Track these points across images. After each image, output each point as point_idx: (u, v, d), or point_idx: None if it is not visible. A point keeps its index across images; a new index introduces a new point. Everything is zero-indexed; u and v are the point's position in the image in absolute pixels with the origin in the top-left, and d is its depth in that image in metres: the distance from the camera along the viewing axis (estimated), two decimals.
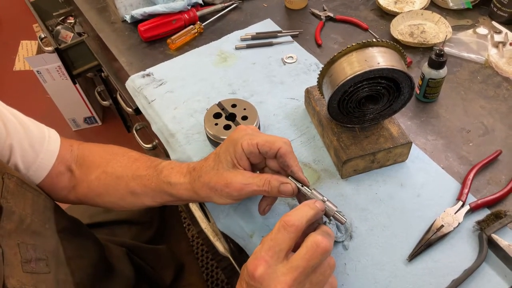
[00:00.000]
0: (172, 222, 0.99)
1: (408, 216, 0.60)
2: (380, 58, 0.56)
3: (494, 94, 0.76)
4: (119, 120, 1.85)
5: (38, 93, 2.10)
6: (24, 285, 0.45)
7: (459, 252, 0.56)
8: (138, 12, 0.94)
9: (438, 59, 0.70)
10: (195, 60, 0.87)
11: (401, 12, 0.91)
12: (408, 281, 0.54)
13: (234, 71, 0.84)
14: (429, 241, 0.56)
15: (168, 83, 0.82)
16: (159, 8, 0.92)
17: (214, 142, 0.68)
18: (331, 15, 0.95)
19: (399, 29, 0.89)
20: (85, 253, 0.64)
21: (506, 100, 0.75)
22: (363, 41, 0.57)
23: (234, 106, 0.70)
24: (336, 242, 0.57)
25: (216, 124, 0.68)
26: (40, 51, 1.77)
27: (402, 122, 0.72)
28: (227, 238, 0.86)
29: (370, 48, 0.57)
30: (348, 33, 0.92)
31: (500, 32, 0.86)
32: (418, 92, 0.75)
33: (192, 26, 0.94)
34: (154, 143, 1.18)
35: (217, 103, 0.71)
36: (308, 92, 0.72)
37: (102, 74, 1.45)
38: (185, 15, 0.93)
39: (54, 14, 1.50)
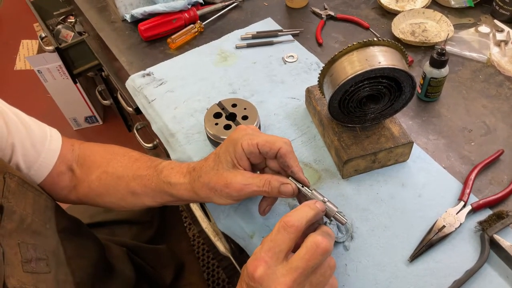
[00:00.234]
0: (173, 222, 0.99)
1: (410, 217, 0.59)
2: (381, 57, 0.56)
3: (496, 93, 0.75)
4: (120, 120, 1.85)
5: (39, 93, 2.10)
6: (24, 285, 0.45)
7: (461, 252, 0.55)
8: (138, 11, 0.93)
9: (439, 58, 0.69)
10: (196, 59, 0.87)
11: (403, 11, 0.90)
12: (409, 282, 0.53)
13: (235, 71, 0.83)
14: (430, 242, 0.56)
15: (168, 82, 0.82)
16: (159, 7, 0.92)
17: (214, 142, 0.68)
18: (332, 13, 0.94)
19: (401, 27, 0.88)
20: (85, 253, 0.64)
21: (508, 99, 0.74)
22: (364, 40, 0.57)
23: (234, 105, 0.70)
24: (336, 243, 0.57)
25: (217, 124, 0.68)
26: (40, 50, 1.76)
27: (403, 122, 0.71)
28: (227, 238, 0.86)
29: (371, 47, 0.57)
30: (349, 32, 0.91)
31: (502, 30, 0.85)
32: (419, 91, 0.75)
33: (192, 25, 0.93)
34: (155, 142, 1.18)
35: (217, 102, 0.71)
36: (308, 91, 0.71)
37: (103, 73, 1.45)
38: (185, 14, 0.93)
39: (54, 13, 1.50)
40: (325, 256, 0.43)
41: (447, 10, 0.93)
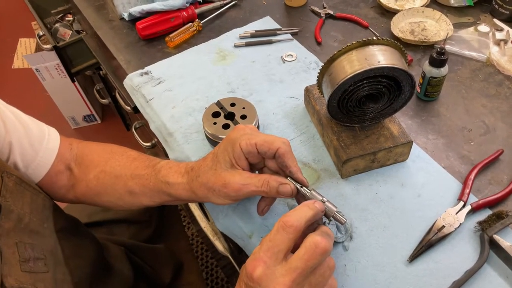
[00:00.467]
0: (171, 221, 0.99)
1: (409, 217, 0.59)
2: (381, 57, 0.55)
3: (495, 93, 0.75)
4: (119, 118, 1.85)
5: (37, 91, 2.10)
6: (22, 284, 0.45)
7: (460, 253, 0.55)
8: (136, 9, 0.93)
9: (439, 57, 0.69)
10: (194, 58, 0.87)
11: (402, 10, 0.90)
12: (408, 282, 0.53)
13: (233, 70, 0.83)
14: (430, 242, 0.55)
15: (166, 81, 0.82)
16: (157, 5, 0.91)
17: (213, 141, 0.68)
18: (331, 12, 0.94)
19: (400, 26, 0.88)
20: (83, 252, 0.63)
21: (507, 98, 0.74)
22: (363, 39, 0.56)
23: (233, 105, 0.70)
24: (336, 243, 0.57)
25: (215, 123, 0.67)
26: (38, 49, 1.76)
27: (402, 121, 0.71)
28: (226, 238, 0.86)
29: (371, 46, 0.57)
30: (348, 31, 0.91)
31: (501, 29, 0.85)
32: (419, 90, 0.74)
33: (190, 24, 0.93)
34: (154, 141, 1.17)
35: (215, 102, 0.71)
36: (307, 90, 0.71)
37: (101, 72, 1.45)
38: (184, 12, 0.93)
39: (52, 11, 1.49)
40: (324, 256, 0.43)
41: (446, 9, 0.93)
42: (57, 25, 1.48)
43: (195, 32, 0.93)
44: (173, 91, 0.80)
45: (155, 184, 0.58)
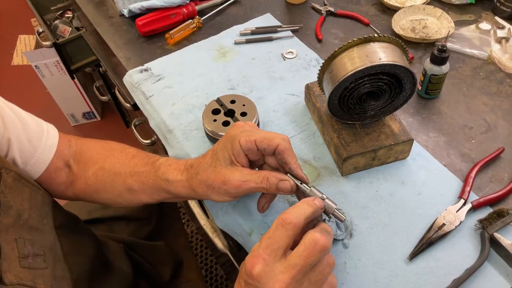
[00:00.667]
0: (171, 218, 0.99)
1: (409, 214, 0.59)
2: (382, 54, 0.55)
3: (496, 91, 0.75)
4: (118, 116, 1.84)
5: (36, 88, 2.09)
6: (21, 280, 0.45)
7: (461, 251, 0.55)
8: (136, 6, 0.93)
9: (440, 54, 0.69)
10: (194, 55, 0.86)
11: (403, 7, 0.90)
12: (408, 280, 0.53)
13: (233, 67, 0.83)
14: (430, 240, 0.55)
15: (166, 78, 0.81)
16: (157, 2, 0.91)
17: (213, 138, 0.67)
18: (332, 9, 0.94)
19: (401, 24, 0.88)
20: (82, 249, 0.63)
21: (509, 96, 0.74)
22: (365, 36, 0.56)
23: (233, 102, 0.70)
24: (336, 240, 0.57)
25: (215, 120, 0.67)
26: (38, 45, 1.75)
27: (403, 119, 0.71)
28: (226, 235, 0.86)
29: (372, 43, 0.56)
30: (349, 28, 0.90)
31: (503, 27, 0.85)
32: (419, 88, 0.74)
33: (190, 20, 0.92)
34: (153, 138, 1.17)
35: (215, 99, 0.70)
36: (308, 88, 0.71)
37: (100, 69, 1.44)
38: (184, 9, 0.92)
39: (52, 8, 1.48)
40: (323, 253, 0.42)
41: (447, 6, 0.92)
42: (56, 21, 1.47)
43: (195, 29, 0.93)
44: (173, 88, 0.79)
45: (154, 181, 0.58)
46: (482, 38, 0.84)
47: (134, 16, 0.94)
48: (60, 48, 1.37)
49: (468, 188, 0.59)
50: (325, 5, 0.95)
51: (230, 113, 0.68)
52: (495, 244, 0.54)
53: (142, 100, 0.80)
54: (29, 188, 0.53)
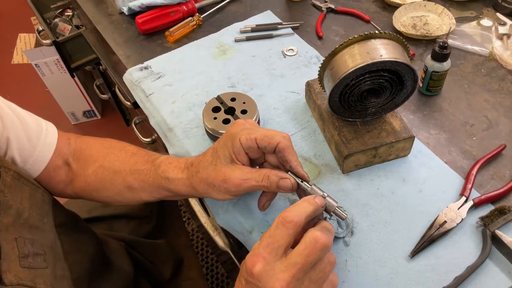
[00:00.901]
0: (171, 216, 0.99)
1: (410, 212, 0.59)
2: (383, 51, 0.55)
3: (498, 87, 0.74)
4: (118, 114, 1.84)
5: (36, 87, 2.09)
6: (21, 280, 0.45)
7: (462, 248, 0.55)
8: (136, 4, 0.92)
9: (441, 51, 0.68)
10: (194, 53, 0.86)
11: (404, 4, 0.89)
12: (410, 278, 0.53)
13: (234, 64, 0.82)
14: (431, 237, 0.55)
15: (166, 76, 0.81)
16: None
17: (213, 136, 0.67)
18: (333, 6, 0.93)
19: (402, 21, 0.87)
20: (83, 247, 0.63)
21: (510, 93, 0.73)
22: (366, 33, 0.56)
23: (233, 99, 0.69)
24: (337, 238, 0.57)
25: (215, 118, 0.67)
26: (38, 44, 1.75)
27: (404, 116, 0.71)
28: (226, 233, 0.86)
29: (373, 40, 0.56)
30: (349, 25, 0.90)
31: (504, 24, 0.84)
32: (421, 85, 0.74)
33: (190, 18, 0.92)
34: (154, 137, 1.17)
35: (216, 96, 0.70)
36: (308, 85, 0.70)
37: (100, 67, 1.44)
38: (184, 6, 0.92)
39: (51, 6, 1.48)
40: (324, 251, 0.42)
41: (448, 3, 0.92)
42: (56, 20, 1.47)
43: (195, 26, 0.92)
44: (173, 86, 0.79)
45: (155, 179, 0.57)
46: (484, 34, 0.83)
47: (133, 14, 0.94)
48: (60, 47, 1.37)
49: (469, 185, 0.59)
50: (326, 2, 0.95)
51: (230, 111, 0.68)
52: (497, 242, 0.54)
53: (142, 98, 0.80)
54: (28, 187, 0.53)
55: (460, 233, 0.56)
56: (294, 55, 0.83)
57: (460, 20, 0.87)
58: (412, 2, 0.89)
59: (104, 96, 1.67)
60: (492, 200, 0.58)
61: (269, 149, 0.50)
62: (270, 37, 0.87)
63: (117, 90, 1.16)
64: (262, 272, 0.41)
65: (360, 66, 0.54)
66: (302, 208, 0.44)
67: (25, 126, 0.58)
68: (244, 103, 0.69)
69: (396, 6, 0.90)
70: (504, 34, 0.82)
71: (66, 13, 1.51)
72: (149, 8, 0.92)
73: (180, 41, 0.89)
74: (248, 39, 0.87)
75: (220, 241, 0.86)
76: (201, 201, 0.89)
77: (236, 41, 0.87)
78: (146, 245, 0.84)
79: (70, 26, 1.46)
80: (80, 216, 0.69)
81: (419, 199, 0.60)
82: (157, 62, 0.84)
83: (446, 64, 0.70)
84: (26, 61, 2.34)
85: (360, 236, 0.57)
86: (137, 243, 0.83)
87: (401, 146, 0.63)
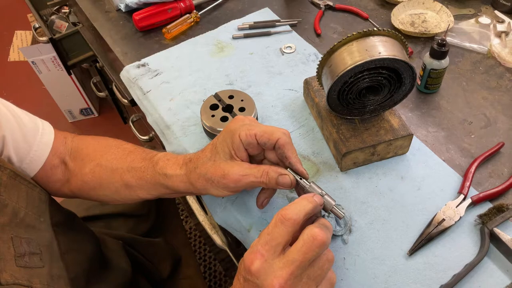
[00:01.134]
0: (169, 215, 0.98)
1: (409, 210, 0.59)
2: (382, 48, 0.55)
3: (496, 85, 0.74)
4: (116, 112, 1.84)
5: (33, 84, 2.08)
6: (17, 280, 0.44)
7: (461, 246, 0.55)
8: (133, 0, 0.92)
9: (440, 49, 0.68)
10: (191, 50, 0.85)
11: (402, 1, 0.89)
12: (408, 276, 0.53)
13: (231, 62, 0.82)
14: (429, 235, 0.55)
15: (163, 73, 0.81)
16: None
17: (211, 134, 0.67)
18: (331, 3, 0.93)
19: (400, 18, 0.87)
20: (80, 247, 0.63)
21: (508, 91, 0.73)
22: (364, 30, 0.56)
23: (231, 97, 0.69)
24: (335, 236, 0.56)
25: (213, 115, 0.67)
26: (34, 41, 1.74)
27: (402, 114, 0.70)
28: (224, 231, 0.85)
29: (371, 37, 0.56)
30: (348, 22, 0.90)
31: (502, 21, 0.84)
32: (419, 83, 0.74)
33: (188, 15, 0.91)
34: (151, 134, 1.16)
35: (213, 94, 0.70)
36: (307, 83, 0.70)
37: (97, 64, 1.43)
38: (181, 3, 0.91)
39: (48, 3, 1.47)
40: (322, 248, 0.42)
41: (447, 0, 0.92)
42: (53, 17, 1.46)
43: (192, 23, 0.92)
44: (171, 83, 0.79)
45: (153, 176, 0.57)
46: (482, 32, 0.83)
47: (131, 10, 0.94)
48: (57, 44, 1.36)
49: (467, 183, 0.59)
50: None
51: (228, 108, 0.68)
52: (495, 239, 0.54)
53: (139, 96, 0.79)
54: (25, 185, 0.53)
55: (458, 231, 0.56)
56: (292, 52, 0.83)
57: (458, 18, 0.87)
58: (410, 0, 0.89)
59: (101, 94, 1.67)
60: (490, 198, 0.58)
61: (268, 145, 0.50)
62: (268, 34, 0.87)
63: (114, 88, 1.15)
64: (260, 269, 0.41)
65: (358, 64, 0.54)
66: (301, 206, 0.44)
67: (21, 125, 0.58)
68: (242, 100, 0.68)
69: (394, 4, 0.90)
70: (502, 32, 0.82)
71: (63, 10, 1.50)
72: (146, 5, 0.91)
73: (178, 38, 0.89)
74: (246, 36, 0.87)
75: (218, 239, 0.86)
76: (199, 199, 0.89)
77: (234, 38, 0.87)
78: (144, 244, 0.84)
79: (67, 23, 1.45)
80: (78, 215, 0.69)
81: (418, 197, 0.60)
82: (155, 60, 0.84)
83: (445, 62, 0.69)
84: (22, 58, 2.32)
85: (358, 234, 0.57)
86: (135, 242, 0.82)
87: (400, 144, 0.62)
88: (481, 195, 0.58)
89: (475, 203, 0.58)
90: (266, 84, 0.77)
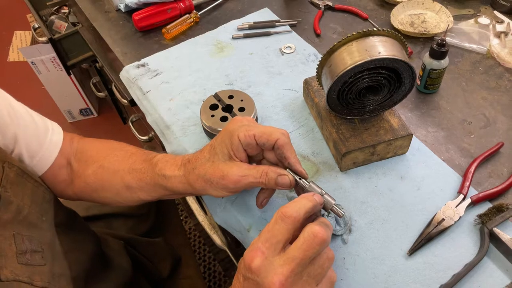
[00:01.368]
0: (169, 215, 0.98)
1: (408, 210, 0.59)
2: (381, 48, 0.55)
3: (496, 85, 0.74)
4: (115, 112, 1.83)
5: (33, 85, 2.07)
6: (18, 277, 0.44)
7: (460, 246, 0.55)
8: (133, 0, 0.92)
9: (439, 49, 0.68)
10: (191, 50, 0.85)
11: (402, 1, 0.89)
12: (408, 276, 0.53)
13: (231, 62, 0.82)
14: (429, 235, 0.55)
15: (163, 73, 0.81)
16: None
17: (211, 134, 0.67)
18: (330, 4, 0.93)
19: (400, 18, 0.87)
20: (82, 246, 0.63)
21: (508, 91, 0.73)
22: (364, 30, 0.56)
23: (231, 97, 0.69)
24: (335, 236, 0.56)
25: (213, 115, 0.67)
26: (34, 41, 1.74)
27: (402, 114, 0.70)
28: (224, 231, 0.85)
29: (371, 37, 0.56)
30: (347, 22, 0.90)
31: (502, 22, 0.84)
32: (419, 83, 0.74)
33: (187, 15, 0.91)
34: (151, 134, 1.16)
35: (213, 94, 0.70)
36: (306, 83, 0.70)
37: (97, 64, 1.43)
38: (181, 3, 0.91)
39: (48, 3, 1.47)
40: (322, 246, 0.42)
41: (446, 0, 0.92)
42: (52, 17, 1.46)
43: (192, 23, 0.92)
44: (170, 83, 0.79)
45: (152, 178, 0.57)
46: (481, 32, 0.83)
47: (130, 10, 0.93)
48: (56, 44, 1.36)
49: (467, 183, 0.59)
50: None
51: (228, 108, 0.68)
52: (495, 239, 0.54)
53: (139, 96, 0.79)
54: (31, 183, 0.53)
55: (458, 231, 0.56)
56: (292, 52, 0.83)
57: (457, 18, 0.87)
58: (410, 0, 0.89)
59: (101, 94, 1.66)
60: (490, 198, 0.58)
61: (267, 145, 0.50)
62: (267, 34, 0.87)
63: (113, 88, 1.15)
64: (260, 267, 0.41)
65: (358, 64, 0.54)
66: (301, 204, 0.44)
67: (33, 124, 0.59)
68: (241, 100, 0.68)
69: (394, 4, 0.90)
70: (501, 32, 0.82)
71: (62, 10, 1.50)
72: (146, 5, 0.91)
73: (177, 38, 0.89)
74: (246, 36, 0.87)
75: (217, 239, 0.86)
76: (199, 200, 0.89)
77: (234, 38, 0.87)
78: (144, 244, 0.84)
79: (67, 24, 1.45)
80: (79, 214, 0.69)
81: (417, 197, 0.60)
82: (154, 60, 0.84)
83: (444, 62, 0.70)
84: (22, 58, 2.32)
85: (358, 234, 0.57)
86: (135, 242, 0.82)
87: (399, 144, 0.63)
88: (480, 195, 0.58)
89: (474, 203, 0.58)
90: (266, 84, 0.77)
